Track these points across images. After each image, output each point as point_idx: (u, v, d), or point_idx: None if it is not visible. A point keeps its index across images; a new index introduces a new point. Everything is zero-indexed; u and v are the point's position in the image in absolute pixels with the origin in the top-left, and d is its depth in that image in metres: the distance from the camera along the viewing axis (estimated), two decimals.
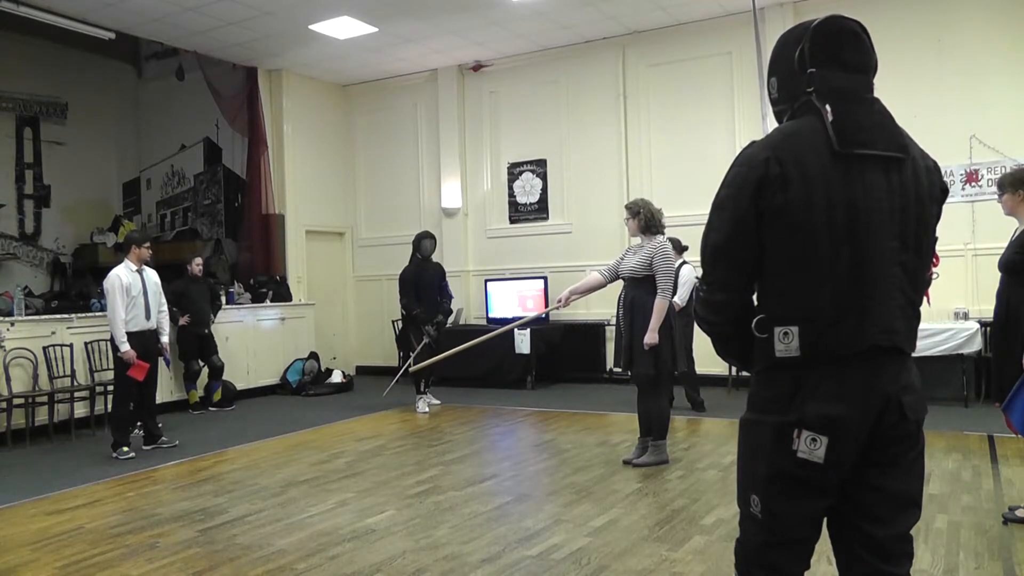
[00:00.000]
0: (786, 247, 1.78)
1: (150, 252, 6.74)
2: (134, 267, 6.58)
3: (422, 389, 8.34)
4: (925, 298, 2.07)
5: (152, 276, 6.74)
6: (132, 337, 6.42)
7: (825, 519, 1.91)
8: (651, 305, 5.30)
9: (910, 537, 1.88)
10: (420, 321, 8.08)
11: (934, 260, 2.18)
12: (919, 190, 1.83)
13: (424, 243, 8.27)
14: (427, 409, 8.18)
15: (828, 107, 1.79)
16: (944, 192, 1.93)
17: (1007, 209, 4.35)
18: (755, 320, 1.85)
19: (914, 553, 1.91)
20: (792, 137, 1.82)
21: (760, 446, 1.84)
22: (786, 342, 1.79)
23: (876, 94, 1.90)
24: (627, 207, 5.66)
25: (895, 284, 1.80)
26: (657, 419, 5.51)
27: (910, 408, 1.81)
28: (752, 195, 1.79)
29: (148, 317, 6.59)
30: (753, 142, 1.90)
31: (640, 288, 5.38)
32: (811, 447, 1.75)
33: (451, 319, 10.61)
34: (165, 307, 6.88)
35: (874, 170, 1.79)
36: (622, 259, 5.53)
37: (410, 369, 7.33)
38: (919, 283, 1.87)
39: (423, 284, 8.18)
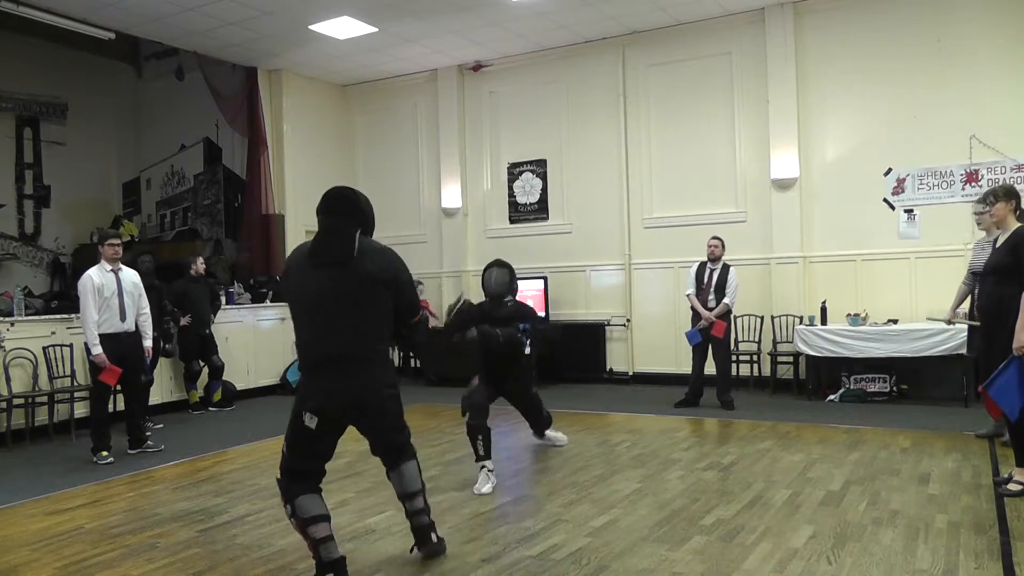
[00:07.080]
0: (292, 310, 3.51)
1: (114, 250, 6.40)
2: (108, 267, 6.38)
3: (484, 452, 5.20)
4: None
5: (130, 276, 6.48)
6: (106, 340, 6.20)
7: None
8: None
9: (397, 447, 3.67)
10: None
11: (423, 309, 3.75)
12: (368, 275, 3.35)
13: (488, 275, 5.81)
14: (489, 488, 5.03)
15: (316, 236, 3.43)
16: (393, 278, 3.43)
17: (995, 218, 4.86)
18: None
19: (406, 450, 3.68)
20: (296, 252, 3.54)
21: (294, 418, 3.45)
22: (296, 357, 3.37)
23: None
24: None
25: (342, 326, 3.34)
26: None
27: (358, 398, 3.42)
28: (282, 282, 3.63)
29: (123, 319, 6.35)
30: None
31: None
32: (311, 421, 3.40)
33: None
34: (147, 309, 6.61)
35: (328, 271, 3.35)
36: None
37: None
38: (366, 324, 3.38)
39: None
